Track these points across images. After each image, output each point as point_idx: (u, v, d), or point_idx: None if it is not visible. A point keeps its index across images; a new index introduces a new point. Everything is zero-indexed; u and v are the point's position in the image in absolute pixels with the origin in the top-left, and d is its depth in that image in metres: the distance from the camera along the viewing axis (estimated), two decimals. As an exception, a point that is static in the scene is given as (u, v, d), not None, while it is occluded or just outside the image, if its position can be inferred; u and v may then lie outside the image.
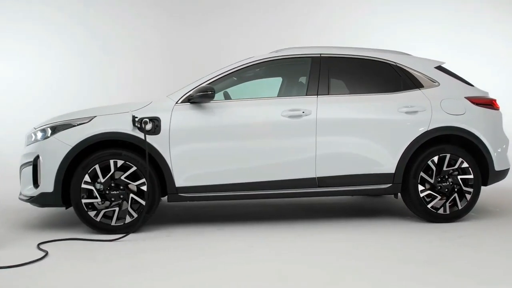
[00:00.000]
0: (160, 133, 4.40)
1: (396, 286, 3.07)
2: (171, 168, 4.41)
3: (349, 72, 4.94)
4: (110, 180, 4.37)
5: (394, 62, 4.89)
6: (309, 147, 4.53)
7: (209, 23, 8.54)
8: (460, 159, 4.71)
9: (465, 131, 4.73)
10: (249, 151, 4.49)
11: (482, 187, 4.86)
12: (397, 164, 4.63)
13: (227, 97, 4.89)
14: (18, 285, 3.13)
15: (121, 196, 4.37)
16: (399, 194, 4.84)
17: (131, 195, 4.39)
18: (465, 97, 4.84)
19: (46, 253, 3.79)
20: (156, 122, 4.41)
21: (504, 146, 4.98)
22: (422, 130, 4.66)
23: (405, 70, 4.87)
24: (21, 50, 8.19)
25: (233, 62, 4.78)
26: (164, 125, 4.41)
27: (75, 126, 4.40)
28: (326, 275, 3.28)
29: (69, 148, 4.31)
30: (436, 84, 4.88)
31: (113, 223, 4.37)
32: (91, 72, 8.16)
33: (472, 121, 4.75)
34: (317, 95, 4.65)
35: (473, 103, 4.84)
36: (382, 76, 4.85)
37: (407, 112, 4.67)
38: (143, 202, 4.36)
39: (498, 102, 5.09)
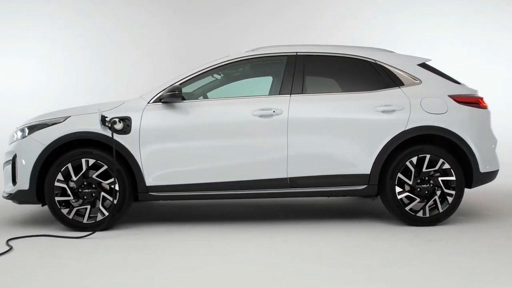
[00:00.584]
0: (131, 132, 4.45)
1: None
2: (141, 167, 4.45)
3: (326, 71, 4.84)
4: (83, 179, 4.46)
5: (374, 60, 4.73)
6: (280, 147, 4.46)
7: (218, 21, 8.55)
8: (441, 160, 4.50)
9: (446, 130, 4.51)
10: (219, 151, 4.46)
11: (468, 190, 4.64)
12: (373, 165, 4.49)
13: (205, 97, 4.89)
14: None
15: (93, 195, 4.46)
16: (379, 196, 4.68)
17: (102, 193, 4.46)
18: (449, 95, 4.63)
19: (11, 248, 3.91)
20: (127, 121, 4.46)
21: (492, 146, 4.71)
22: (399, 130, 4.48)
23: (385, 68, 4.70)
24: (23, 49, 8.29)
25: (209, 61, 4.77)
26: (134, 125, 4.46)
27: (50, 125, 4.52)
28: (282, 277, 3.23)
29: (43, 147, 4.43)
30: (418, 82, 4.68)
31: (85, 220, 4.46)
32: (91, 72, 8.30)
33: (454, 120, 4.54)
34: (291, 94, 4.57)
35: (457, 101, 4.61)
36: (360, 74, 4.71)
37: (383, 111, 4.52)
38: (113, 200, 4.43)
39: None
